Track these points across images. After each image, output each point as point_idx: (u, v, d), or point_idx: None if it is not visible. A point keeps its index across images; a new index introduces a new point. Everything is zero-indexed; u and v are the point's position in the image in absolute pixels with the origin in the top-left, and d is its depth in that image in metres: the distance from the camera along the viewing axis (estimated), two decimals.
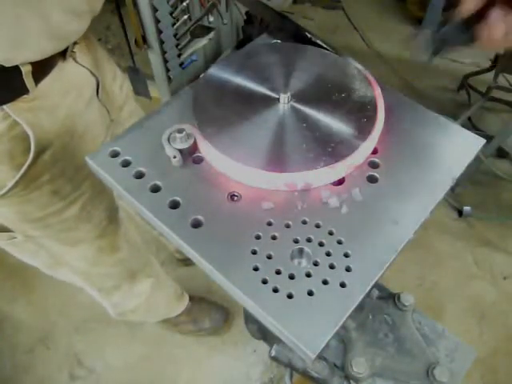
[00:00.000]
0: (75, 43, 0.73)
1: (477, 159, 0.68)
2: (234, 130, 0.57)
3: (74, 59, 0.75)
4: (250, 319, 0.88)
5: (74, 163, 0.78)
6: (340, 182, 0.56)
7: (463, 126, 0.63)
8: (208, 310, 1.54)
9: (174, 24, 1.66)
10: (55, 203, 0.79)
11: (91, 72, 0.80)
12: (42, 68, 0.66)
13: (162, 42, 1.66)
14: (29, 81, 0.64)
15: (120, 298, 1.18)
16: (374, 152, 0.59)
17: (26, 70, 0.62)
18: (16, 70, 0.61)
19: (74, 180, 0.81)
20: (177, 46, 1.74)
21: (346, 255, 0.50)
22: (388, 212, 0.53)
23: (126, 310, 1.25)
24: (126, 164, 0.58)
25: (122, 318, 1.29)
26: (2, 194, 0.71)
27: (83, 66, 0.77)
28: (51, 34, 0.62)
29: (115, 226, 0.98)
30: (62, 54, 0.70)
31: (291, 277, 0.48)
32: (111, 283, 1.12)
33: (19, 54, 0.60)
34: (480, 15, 0.49)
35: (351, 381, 0.68)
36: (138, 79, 1.33)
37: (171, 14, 1.61)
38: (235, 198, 0.55)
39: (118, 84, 0.97)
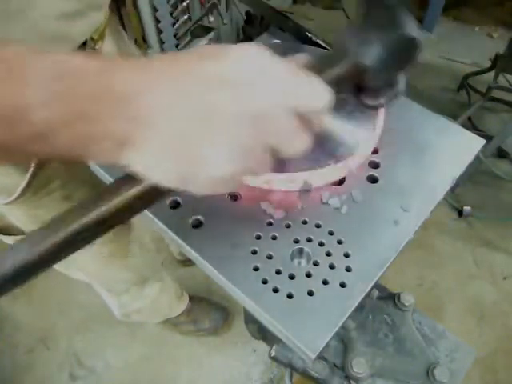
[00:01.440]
0: (96, 40, 0.69)
1: (477, 159, 0.68)
2: None
3: None
4: (250, 319, 0.88)
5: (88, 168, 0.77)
6: (340, 182, 0.56)
7: (463, 126, 0.63)
8: (208, 311, 1.54)
9: (174, 24, 1.66)
10: (68, 207, 0.79)
11: None
12: None
13: (162, 42, 1.66)
14: None
15: (128, 298, 1.19)
16: (374, 152, 0.59)
17: None
18: None
19: (87, 184, 0.79)
20: (177, 46, 1.74)
21: (346, 255, 0.50)
22: (388, 212, 0.53)
23: (131, 311, 1.25)
24: None
25: (126, 318, 1.29)
26: (13, 199, 0.71)
27: None
28: (48, 38, 0.60)
29: (127, 231, 0.98)
30: None
31: (291, 277, 0.48)
32: (122, 286, 1.12)
33: None
34: None
35: (351, 381, 0.68)
36: None
37: (171, 13, 1.62)
38: (235, 198, 0.55)
39: None
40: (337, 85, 0.37)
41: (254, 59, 0.34)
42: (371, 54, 0.39)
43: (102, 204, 0.35)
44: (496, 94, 1.96)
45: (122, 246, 0.98)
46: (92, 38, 0.68)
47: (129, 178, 0.35)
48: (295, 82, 0.35)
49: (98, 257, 0.95)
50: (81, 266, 0.97)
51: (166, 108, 0.32)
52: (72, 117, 0.30)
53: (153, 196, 0.36)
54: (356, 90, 0.44)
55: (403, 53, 0.42)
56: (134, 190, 0.35)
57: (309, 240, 0.51)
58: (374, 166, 0.58)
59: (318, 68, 0.37)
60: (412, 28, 0.40)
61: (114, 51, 0.77)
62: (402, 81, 0.45)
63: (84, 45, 0.67)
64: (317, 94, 0.35)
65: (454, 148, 0.60)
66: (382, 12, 0.38)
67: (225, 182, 0.34)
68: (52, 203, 0.76)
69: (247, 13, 2.13)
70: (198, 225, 0.52)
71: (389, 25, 0.39)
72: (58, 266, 0.97)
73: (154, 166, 0.33)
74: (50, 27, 0.58)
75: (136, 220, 1.00)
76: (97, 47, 0.70)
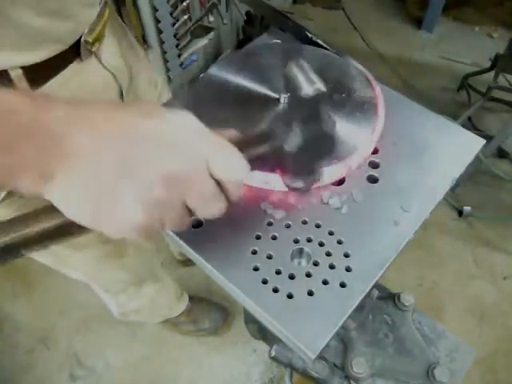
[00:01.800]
0: (93, 42, 0.67)
1: (477, 159, 0.68)
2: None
3: (99, 60, 0.70)
4: (250, 319, 0.88)
5: None
6: (340, 182, 0.56)
7: (463, 126, 0.63)
8: (208, 311, 1.54)
9: (174, 24, 1.66)
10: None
11: (114, 77, 0.74)
12: (41, 71, 0.62)
13: (162, 42, 1.66)
14: (22, 86, 0.59)
15: (126, 298, 1.19)
16: (374, 152, 0.59)
17: (16, 75, 0.58)
18: (3, 75, 0.57)
19: None
20: (177, 45, 1.74)
21: (346, 255, 0.50)
22: (388, 212, 0.53)
23: (129, 310, 1.25)
24: None
25: (124, 318, 1.29)
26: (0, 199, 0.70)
27: (107, 69, 0.72)
28: (33, 37, 0.58)
29: None
30: (77, 54, 0.66)
31: (291, 277, 0.48)
32: (118, 286, 1.12)
33: None
34: None
35: (351, 381, 0.68)
36: None
37: (171, 13, 1.62)
38: None
39: (157, 93, 0.95)
40: (259, 162, 0.42)
41: (186, 126, 0.37)
42: (292, 141, 0.44)
43: (18, 229, 0.37)
44: (496, 93, 1.96)
45: (118, 247, 0.98)
46: (87, 41, 0.66)
47: (51, 209, 0.37)
48: (218, 154, 0.38)
49: (93, 257, 0.94)
50: (78, 266, 0.97)
51: (90, 152, 0.34)
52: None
53: (69, 230, 0.39)
54: (280, 171, 0.49)
55: (321, 146, 0.47)
56: (54, 221, 0.38)
57: (309, 240, 0.51)
58: (374, 166, 0.58)
59: (243, 144, 0.41)
60: (331, 126, 0.46)
61: (116, 51, 0.77)
62: (320, 171, 0.49)
63: (78, 46, 0.66)
64: (235, 168, 0.39)
65: (454, 148, 0.60)
66: (307, 106, 0.42)
67: (136, 230, 0.37)
68: (42, 204, 0.75)
69: (247, 13, 2.14)
70: (197, 225, 0.52)
71: (311, 120, 0.44)
72: (56, 266, 0.97)
73: (70, 202, 0.36)
74: (33, 26, 0.57)
75: None
76: (93, 49, 0.68)
